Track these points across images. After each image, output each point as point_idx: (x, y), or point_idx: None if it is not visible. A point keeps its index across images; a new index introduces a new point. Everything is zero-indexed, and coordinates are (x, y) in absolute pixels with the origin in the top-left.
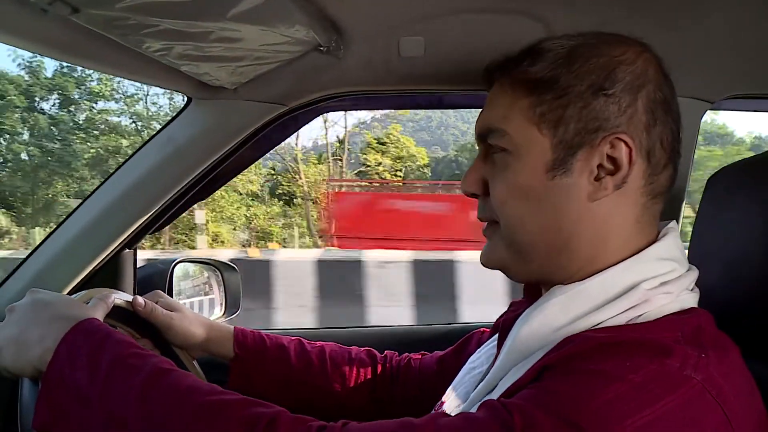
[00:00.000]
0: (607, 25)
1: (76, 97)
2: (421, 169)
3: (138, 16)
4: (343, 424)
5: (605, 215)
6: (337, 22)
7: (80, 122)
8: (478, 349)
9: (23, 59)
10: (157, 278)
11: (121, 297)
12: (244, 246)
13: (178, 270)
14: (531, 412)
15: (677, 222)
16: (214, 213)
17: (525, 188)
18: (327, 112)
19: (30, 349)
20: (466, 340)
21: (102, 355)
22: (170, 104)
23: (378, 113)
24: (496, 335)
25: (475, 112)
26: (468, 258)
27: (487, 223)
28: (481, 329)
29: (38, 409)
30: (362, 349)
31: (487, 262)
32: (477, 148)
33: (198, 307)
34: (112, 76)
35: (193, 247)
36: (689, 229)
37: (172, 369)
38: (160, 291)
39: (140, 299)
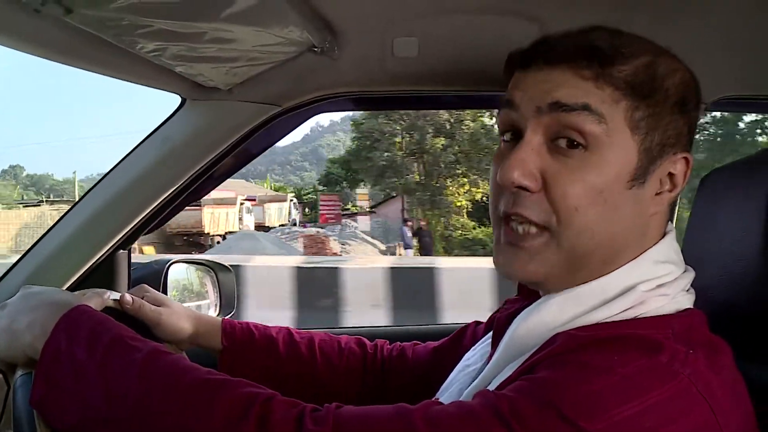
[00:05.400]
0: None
1: None
2: None
3: (131, 16)
4: (337, 406)
5: (646, 227)
6: (331, 22)
7: None
8: (473, 347)
9: None
10: (152, 279)
11: (110, 296)
12: None
13: (173, 271)
14: (519, 400)
15: (671, 223)
16: None
17: (605, 193)
18: (321, 112)
19: (20, 337)
20: (461, 331)
21: (101, 334)
22: None
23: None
24: (490, 333)
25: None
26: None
27: (533, 231)
28: (476, 321)
29: (35, 385)
30: (352, 338)
31: (532, 275)
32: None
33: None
34: None
35: None
36: None
37: (171, 352)
38: (145, 285)
39: (128, 297)
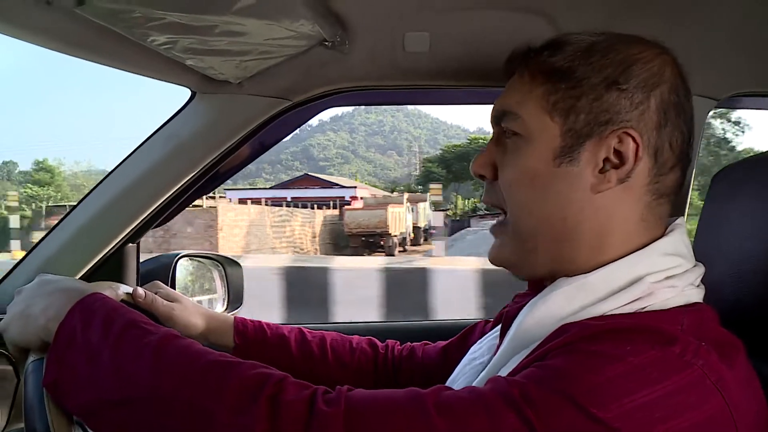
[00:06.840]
0: (614, 22)
1: None
2: None
3: (143, 8)
4: (349, 389)
5: (608, 208)
6: (342, 16)
7: None
8: (479, 340)
9: None
10: (161, 273)
11: (123, 290)
12: None
13: (181, 265)
14: (530, 386)
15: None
16: None
17: (532, 173)
18: (331, 107)
19: (35, 321)
20: (469, 330)
21: (116, 319)
22: None
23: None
24: (498, 326)
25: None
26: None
27: (496, 223)
28: (485, 320)
29: (48, 367)
30: (363, 338)
31: (496, 260)
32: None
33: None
34: None
35: None
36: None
37: (184, 336)
38: (159, 282)
39: (140, 290)
